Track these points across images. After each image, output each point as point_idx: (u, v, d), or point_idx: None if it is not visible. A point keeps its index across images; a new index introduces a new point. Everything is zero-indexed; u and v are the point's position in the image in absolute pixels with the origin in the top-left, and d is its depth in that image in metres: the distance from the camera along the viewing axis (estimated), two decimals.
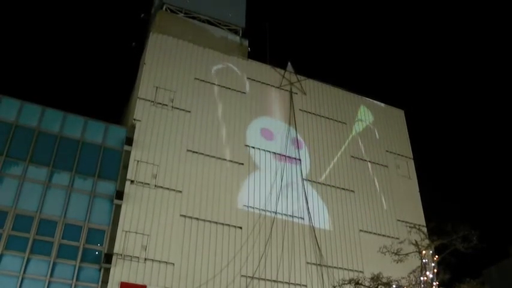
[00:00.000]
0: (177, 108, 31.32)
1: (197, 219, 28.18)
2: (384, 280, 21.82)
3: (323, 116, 36.61)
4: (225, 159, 30.97)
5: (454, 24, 79.38)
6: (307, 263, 29.71)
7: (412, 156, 38.40)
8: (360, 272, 29.81)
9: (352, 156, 35.82)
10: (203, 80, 33.30)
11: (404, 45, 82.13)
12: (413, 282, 21.29)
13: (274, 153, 32.96)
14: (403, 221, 33.69)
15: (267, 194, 31.03)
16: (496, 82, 72.95)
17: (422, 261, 21.32)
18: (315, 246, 30.45)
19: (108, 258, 24.89)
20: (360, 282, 22.38)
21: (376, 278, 21.92)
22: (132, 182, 27.47)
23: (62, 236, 24.93)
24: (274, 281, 28.17)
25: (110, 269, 24.71)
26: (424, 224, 31.33)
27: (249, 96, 34.45)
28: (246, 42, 37.76)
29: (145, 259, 25.66)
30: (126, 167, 27.96)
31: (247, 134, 32.76)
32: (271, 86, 35.92)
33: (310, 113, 36.22)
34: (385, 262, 23.37)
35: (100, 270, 24.86)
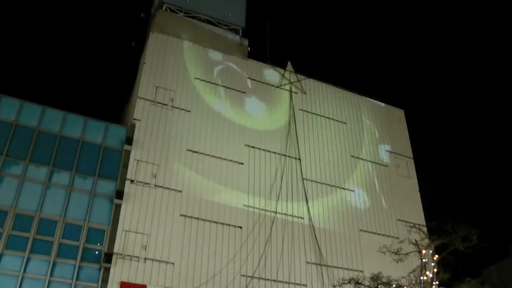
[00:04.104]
0: (177, 108, 31.32)
1: (197, 219, 28.18)
2: (384, 280, 21.84)
3: (323, 116, 36.61)
4: (225, 159, 30.97)
5: (454, 24, 79.40)
6: (307, 262, 29.71)
7: (412, 156, 38.42)
8: (360, 271, 29.83)
9: (352, 156, 35.82)
10: (203, 80, 33.30)
11: (404, 45, 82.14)
12: (413, 282, 21.30)
13: (274, 152, 32.96)
14: (403, 221, 33.66)
15: (267, 193, 31.03)
16: (496, 82, 72.97)
17: (422, 261, 21.33)
18: (315, 246, 30.46)
19: (108, 257, 24.89)
20: (359, 281, 22.40)
21: (376, 278, 21.94)
22: (132, 181, 27.47)
23: (62, 235, 24.93)
24: (274, 280, 28.18)
25: (109, 268, 24.71)
26: (424, 224, 31.37)
27: (249, 96, 34.45)
28: (246, 42, 37.74)
29: (145, 259, 25.67)
30: (126, 166, 27.96)
31: (247, 133, 32.76)
32: (271, 85, 35.93)
33: (310, 112, 36.21)
34: (385, 262, 23.39)
35: (100, 269, 24.86)
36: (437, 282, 21.03)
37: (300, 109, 35.93)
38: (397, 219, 34.27)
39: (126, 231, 25.89)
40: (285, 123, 34.64)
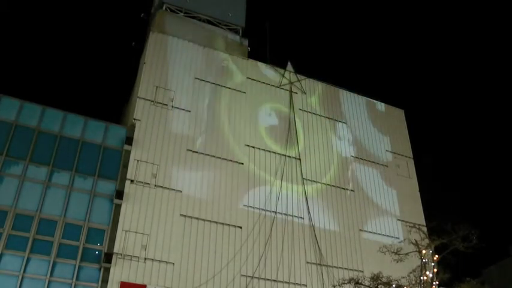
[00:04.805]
0: (177, 108, 31.32)
1: (197, 219, 28.17)
2: (384, 280, 21.84)
3: (323, 116, 36.62)
4: (225, 159, 30.96)
5: (454, 24, 79.41)
6: (307, 262, 29.71)
7: (412, 156, 38.44)
8: (360, 271, 29.84)
9: (352, 156, 35.83)
10: (203, 80, 33.30)
11: (404, 45, 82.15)
12: (413, 282, 21.30)
13: (274, 152, 32.96)
14: (403, 221, 33.72)
15: (267, 193, 31.03)
16: (496, 82, 72.97)
17: (422, 261, 21.33)
18: (315, 246, 30.45)
19: (108, 257, 24.90)
20: (359, 281, 22.40)
21: (376, 278, 21.95)
22: (132, 181, 27.47)
23: (62, 235, 24.93)
24: (274, 280, 28.18)
25: (109, 268, 24.71)
26: (424, 224, 31.39)
27: (249, 96, 34.45)
28: (246, 42, 37.71)
29: (145, 259, 25.67)
30: (126, 166, 27.96)
31: (247, 133, 32.76)
32: (271, 85, 35.93)
33: (310, 112, 36.22)
34: (385, 262, 23.39)
35: (100, 269, 24.86)
36: (437, 282, 21.04)
37: (300, 109, 35.93)
38: (397, 219, 34.29)
39: (126, 231, 25.88)
40: (285, 123, 34.64)
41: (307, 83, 37.55)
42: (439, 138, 74.41)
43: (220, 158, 30.81)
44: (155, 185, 27.97)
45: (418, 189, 36.95)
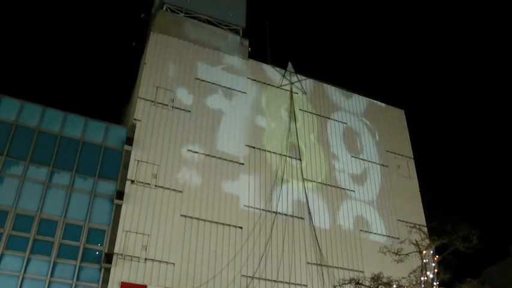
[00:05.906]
0: (177, 108, 31.32)
1: (197, 219, 28.18)
2: (385, 280, 21.83)
3: (323, 116, 36.62)
4: (225, 159, 30.97)
5: (454, 24, 79.42)
6: (308, 262, 29.72)
7: (412, 156, 38.43)
8: (361, 271, 29.83)
9: (352, 156, 35.82)
10: (203, 80, 33.31)
11: (404, 45, 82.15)
12: (414, 282, 21.30)
13: (275, 153, 32.96)
14: (403, 221, 33.65)
15: (267, 194, 31.03)
16: (496, 82, 72.98)
17: (422, 261, 21.33)
18: (315, 246, 30.46)
19: (109, 258, 24.90)
20: (360, 282, 22.40)
21: (376, 278, 21.94)
22: (132, 181, 27.47)
23: (62, 236, 24.92)
24: (274, 281, 28.18)
25: (110, 268, 24.71)
26: (425, 224, 31.42)
27: (249, 96, 34.46)
28: (246, 42, 37.70)
29: (145, 259, 25.67)
30: (126, 166, 27.96)
31: (247, 133, 32.76)
32: (272, 85, 35.94)
33: (310, 112, 36.22)
34: (386, 262, 23.38)
35: (100, 270, 24.87)
36: (437, 283, 21.03)
37: (300, 109, 35.93)
38: (398, 219, 34.26)
39: (126, 231, 25.89)
40: (285, 123, 34.64)
41: (307, 83, 37.55)
42: (439, 138, 74.45)
43: (220, 158, 30.81)
44: (156, 186, 27.98)
45: (418, 189, 36.94)
